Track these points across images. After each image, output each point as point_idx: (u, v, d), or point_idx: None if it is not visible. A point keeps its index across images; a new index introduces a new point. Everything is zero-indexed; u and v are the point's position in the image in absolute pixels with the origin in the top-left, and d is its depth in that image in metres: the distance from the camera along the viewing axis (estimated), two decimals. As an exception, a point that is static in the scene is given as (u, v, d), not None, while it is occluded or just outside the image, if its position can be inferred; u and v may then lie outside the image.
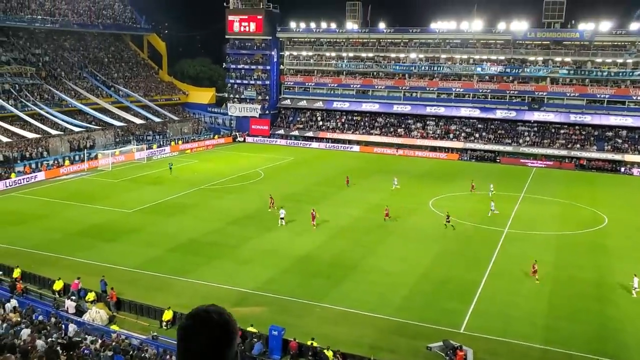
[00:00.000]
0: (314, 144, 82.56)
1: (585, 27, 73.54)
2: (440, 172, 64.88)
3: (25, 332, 19.56)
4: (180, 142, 77.34)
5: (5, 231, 39.09)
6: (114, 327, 25.10)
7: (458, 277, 32.56)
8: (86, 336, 21.57)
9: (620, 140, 72.31)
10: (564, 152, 72.36)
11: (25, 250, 35.22)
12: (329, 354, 22.73)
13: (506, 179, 61.56)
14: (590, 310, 28.81)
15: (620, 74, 73.01)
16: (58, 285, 29.04)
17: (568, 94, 75.10)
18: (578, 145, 72.92)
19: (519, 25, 76.20)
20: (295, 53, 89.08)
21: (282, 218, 41.33)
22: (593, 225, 44.30)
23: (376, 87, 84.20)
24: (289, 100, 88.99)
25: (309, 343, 23.68)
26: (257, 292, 29.71)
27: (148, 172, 60.87)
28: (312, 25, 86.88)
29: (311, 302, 28.72)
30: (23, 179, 54.44)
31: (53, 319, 23.53)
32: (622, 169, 69.08)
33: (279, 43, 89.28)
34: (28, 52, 77.87)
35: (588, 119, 73.69)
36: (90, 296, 27.88)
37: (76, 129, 67.59)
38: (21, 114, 64.77)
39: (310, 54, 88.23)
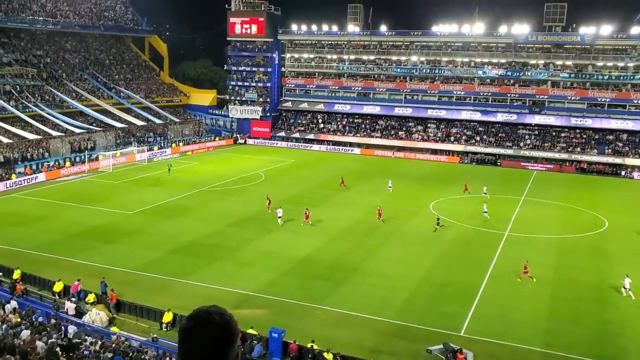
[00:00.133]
0: (315, 147, 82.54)
1: (586, 30, 73.58)
2: (441, 175, 64.84)
3: (25, 334, 19.54)
4: (181, 143, 77.37)
5: (5, 232, 39.07)
6: (113, 329, 25.06)
7: (458, 280, 32.54)
8: (86, 338, 21.56)
9: (620, 144, 72.29)
10: (564, 156, 72.33)
11: (26, 251, 35.19)
12: (329, 356, 22.68)
13: (507, 182, 61.58)
14: (591, 314, 28.79)
15: (621, 77, 73.05)
16: (58, 287, 29.02)
17: (569, 98, 75.16)
18: (579, 149, 72.92)
19: (520, 29, 76.23)
20: (296, 55, 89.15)
21: (279, 217, 41.66)
22: (593, 228, 44.29)
23: (377, 89, 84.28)
24: (290, 103, 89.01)
25: (309, 346, 23.64)
26: (258, 294, 29.70)
27: (149, 173, 60.90)
28: (314, 27, 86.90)
29: (311, 305, 28.70)
30: (24, 180, 54.45)
31: (53, 321, 23.51)
32: (623, 173, 69.07)
33: (280, 45, 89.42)
34: (29, 54, 77.92)
35: (589, 123, 73.68)
36: (90, 298, 27.88)
37: (77, 130, 67.59)
38: (22, 115, 64.77)
39: (312, 56, 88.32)
